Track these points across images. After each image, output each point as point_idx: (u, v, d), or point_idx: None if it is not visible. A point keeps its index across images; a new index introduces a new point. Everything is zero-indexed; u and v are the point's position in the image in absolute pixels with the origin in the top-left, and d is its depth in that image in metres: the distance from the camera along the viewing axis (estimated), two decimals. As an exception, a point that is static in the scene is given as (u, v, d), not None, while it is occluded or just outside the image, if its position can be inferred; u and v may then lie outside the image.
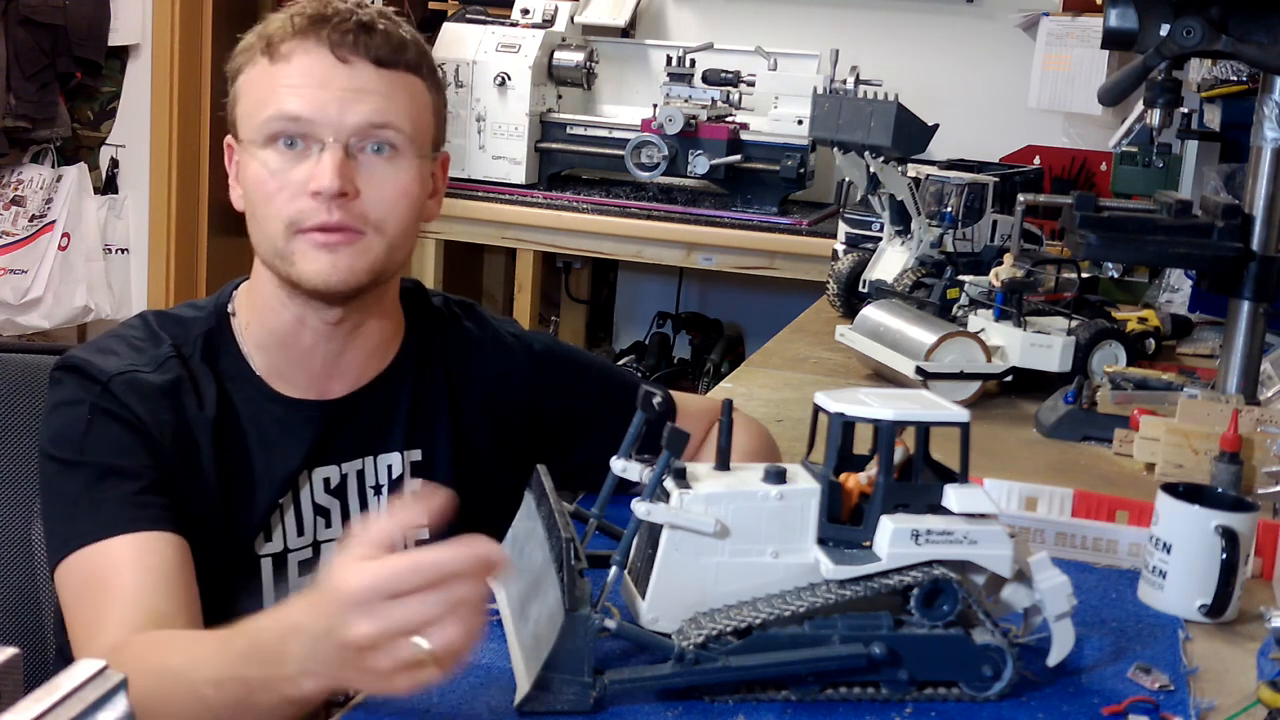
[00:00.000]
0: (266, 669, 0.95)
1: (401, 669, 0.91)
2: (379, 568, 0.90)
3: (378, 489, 1.33)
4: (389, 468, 1.34)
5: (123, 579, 1.12)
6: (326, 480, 1.30)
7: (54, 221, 4.16)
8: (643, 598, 1.06)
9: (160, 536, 1.15)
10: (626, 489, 1.10)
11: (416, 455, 1.35)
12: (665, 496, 1.05)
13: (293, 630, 0.94)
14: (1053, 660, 1.11)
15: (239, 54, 1.26)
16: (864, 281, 2.48)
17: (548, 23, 3.61)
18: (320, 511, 1.30)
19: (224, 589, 1.23)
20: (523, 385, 1.42)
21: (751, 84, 3.45)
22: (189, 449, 1.23)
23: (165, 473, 1.20)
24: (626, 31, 3.88)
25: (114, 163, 4.31)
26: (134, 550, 1.14)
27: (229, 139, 1.29)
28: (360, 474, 1.32)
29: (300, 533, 1.29)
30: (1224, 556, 1.25)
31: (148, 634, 1.08)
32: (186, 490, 1.21)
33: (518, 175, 3.49)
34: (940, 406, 1.09)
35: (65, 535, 1.16)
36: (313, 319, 1.27)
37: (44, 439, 1.23)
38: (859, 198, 2.64)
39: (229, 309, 1.31)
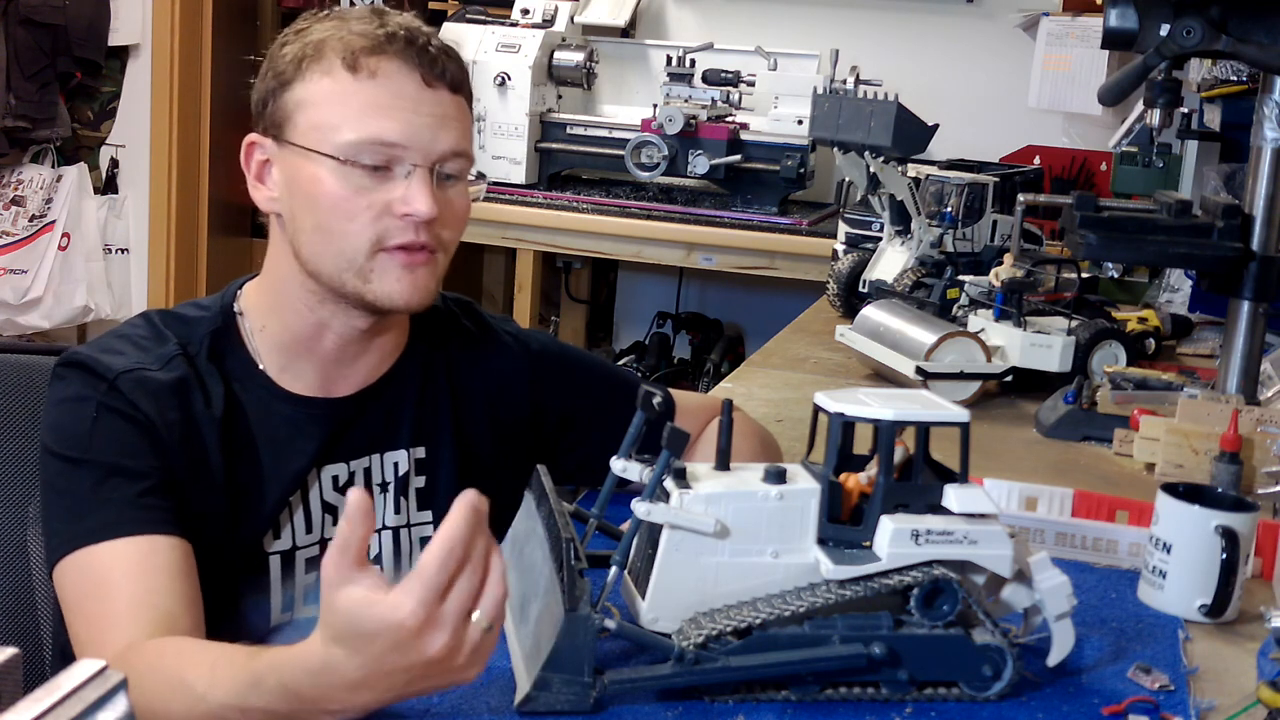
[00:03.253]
0: (302, 705, 0.95)
1: (473, 652, 0.92)
2: (415, 583, 0.89)
3: (384, 486, 1.34)
4: (395, 465, 1.34)
5: (127, 581, 1.12)
6: (335, 478, 1.31)
7: (54, 221, 4.16)
8: (643, 598, 1.06)
9: (164, 540, 1.15)
10: (626, 489, 1.10)
11: (421, 452, 1.36)
12: (665, 496, 1.05)
13: (325, 671, 0.93)
14: (1053, 660, 1.11)
15: (303, 59, 1.23)
16: (864, 281, 2.49)
17: (548, 23, 3.61)
18: (329, 509, 1.30)
19: (232, 586, 1.24)
20: (521, 384, 1.42)
21: (751, 84, 3.45)
22: (196, 448, 1.22)
23: (171, 473, 1.20)
24: (626, 31, 3.88)
25: (114, 163, 4.32)
26: (138, 553, 1.13)
27: (254, 138, 1.27)
28: (368, 471, 1.33)
29: (309, 530, 1.29)
30: (1224, 556, 1.25)
31: (160, 640, 1.08)
32: (193, 489, 1.21)
33: (518, 175, 3.49)
34: (940, 406, 1.09)
35: (67, 534, 1.16)
36: (339, 324, 1.27)
37: (46, 435, 1.22)
38: (859, 198, 2.65)
39: (235, 308, 1.31)
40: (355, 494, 0.92)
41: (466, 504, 0.91)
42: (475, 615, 0.92)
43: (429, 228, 1.22)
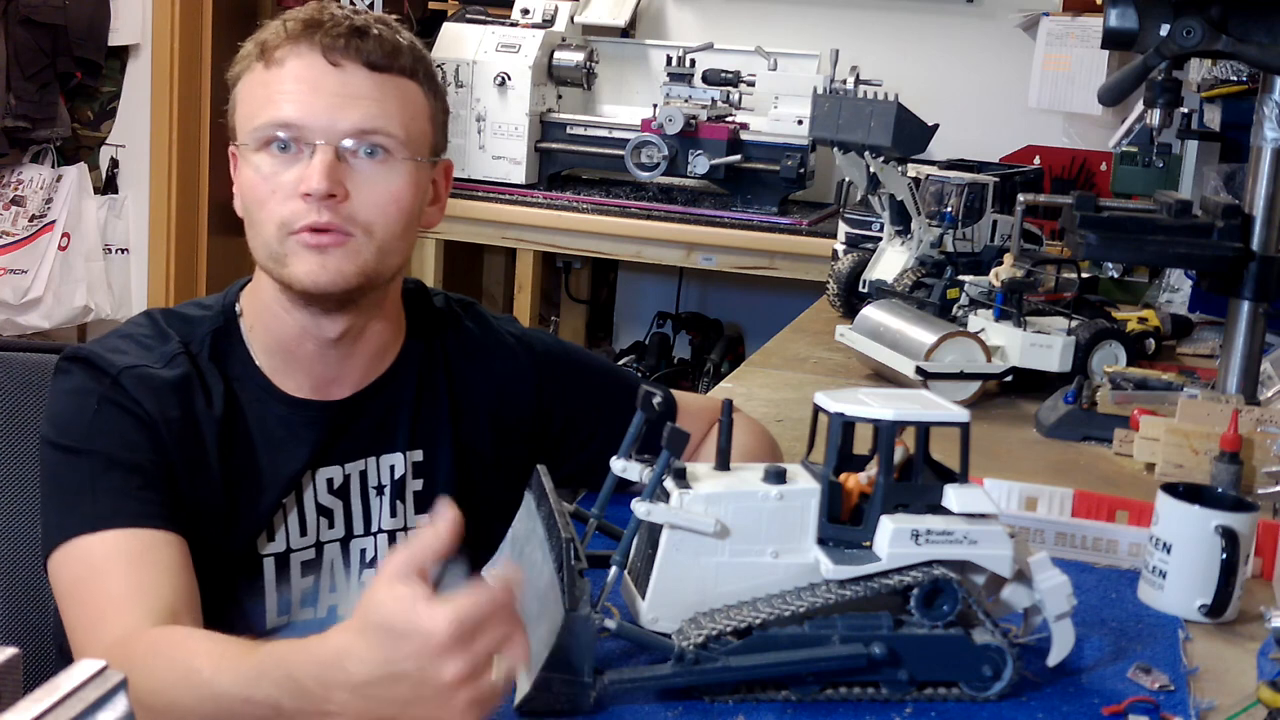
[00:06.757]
0: (304, 703, 0.94)
1: (480, 697, 0.91)
2: (463, 607, 0.89)
3: (380, 489, 1.33)
4: (391, 468, 1.34)
5: (125, 569, 1.12)
6: (330, 480, 1.31)
7: (54, 221, 4.16)
8: (643, 598, 1.06)
9: (161, 535, 1.15)
10: (626, 489, 1.10)
11: (418, 456, 1.35)
12: (665, 496, 1.05)
13: (335, 664, 0.92)
14: (1053, 660, 1.11)
15: (238, 62, 1.27)
16: (864, 281, 2.48)
17: (548, 23, 3.61)
18: (323, 512, 1.30)
19: (226, 588, 1.23)
20: (524, 387, 1.42)
21: (751, 84, 3.45)
22: (195, 446, 1.23)
23: (169, 469, 1.20)
24: (626, 31, 3.88)
25: (114, 163, 4.31)
26: (135, 544, 1.14)
27: (232, 147, 1.29)
28: (363, 474, 1.32)
29: (303, 533, 1.29)
30: (1224, 556, 1.25)
31: (164, 628, 1.08)
32: (190, 487, 1.21)
33: (518, 175, 3.49)
34: (940, 406, 1.09)
35: (64, 522, 1.16)
36: (312, 328, 1.27)
37: (46, 426, 1.23)
38: (859, 198, 2.64)
39: (236, 308, 1.31)
40: (449, 511, 0.91)
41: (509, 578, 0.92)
42: (495, 664, 0.91)
43: (334, 207, 1.20)
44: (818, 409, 1.11)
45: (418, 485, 1.35)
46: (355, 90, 1.22)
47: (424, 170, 1.28)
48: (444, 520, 0.91)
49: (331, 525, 1.31)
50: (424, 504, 1.35)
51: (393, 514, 1.34)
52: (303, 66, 1.22)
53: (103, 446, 1.18)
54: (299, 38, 1.22)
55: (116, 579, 1.12)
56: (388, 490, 1.34)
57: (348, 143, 1.21)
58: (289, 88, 1.21)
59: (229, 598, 1.24)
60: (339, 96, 1.21)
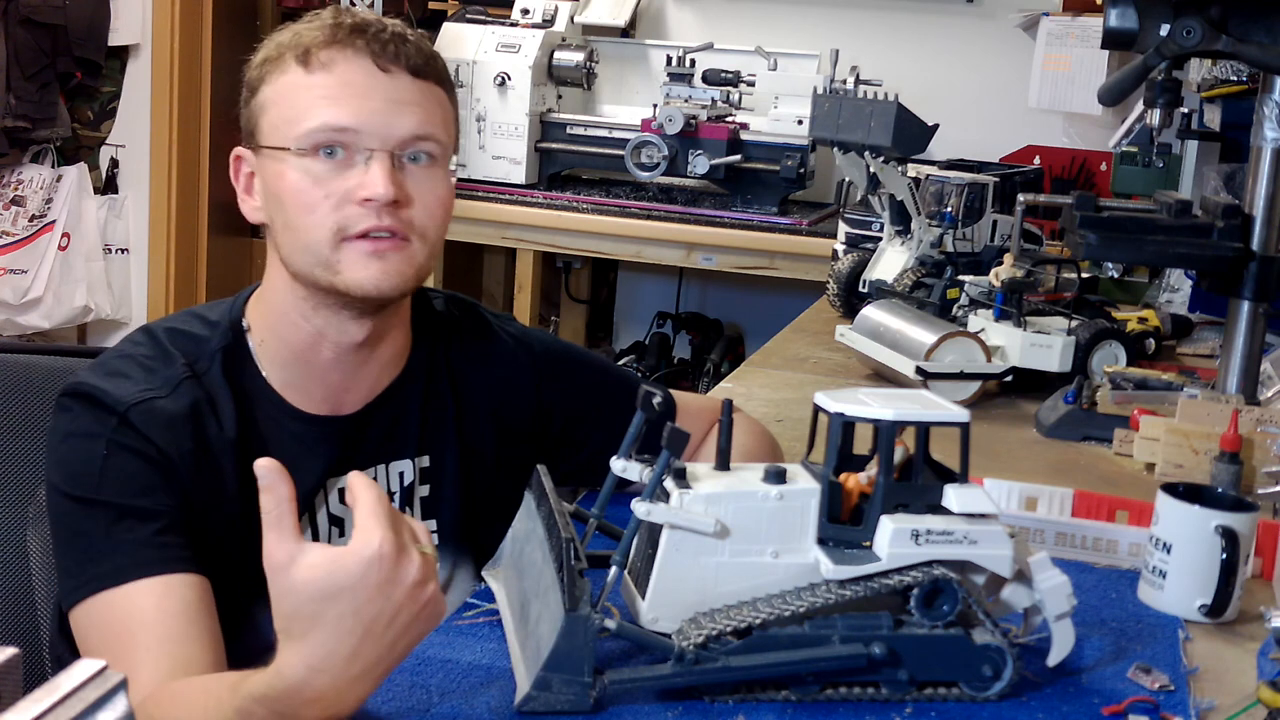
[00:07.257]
0: None
1: (433, 575, 0.92)
2: (371, 518, 0.90)
3: (390, 496, 1.32)
4: (401, 474, 1.33)
5: (146, 626, 1.10)
6: (342, 491, 1.29)
7: (54, 221, 4.16)
8: (643, 598, 1.06)
9: (181, 578, 1.13)
10: (626, 489, 1.10)
11: (426, 461, 1.35)
12: (665, 496, 1.05)
13: (312, 676, 0.90)
14: (1053, 660, 1.11)
15: (264, 63, 1.24)
16: (864, 281, 2.48)
17: (548, 23, 3.61)
18: (335, 521, 1.30)
19: (237, 599, 1.22)
20: (525, 388, 1.42)
21: (751, 84, 3.45)
22: (212, 474, 1.21)
23: (185, 506, 1.18)
24: (626, 31, 3.88)
25: (114, 163, 4.32)
26: (156, 595, 1.11)
27: (239, 151, 1.27)
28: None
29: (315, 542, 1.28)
30: (1224, 556, 1.25)
31: (165, 688, 1.06)
32: (208, 515, 1.19)
33: (518, 175, 3.49)
34: (940, 406, 1.09)
35: (83, 577, 1.13)
36: (334, 333, 1.25)
37: (54, 472, 1.19)
38: (859, 198, 2.64)
39: (243, 323, 1.28)
40: (263, 463, 0.91)
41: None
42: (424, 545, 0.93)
43: (394, 212, 1.20)
44: (818, 409, 1.11)
45: (425, 491, 1.35)
46: (404, 96, 1.22)
47: (452, 174, 1.29)
48: (269, 473, 0.91)
49: (342, 534, 1.30)
50: (430, 509, 1.35)
51: None
52: (353, 71, 1.20)
53: (116, 496, 1.15)
54: (345, 41, 1.21)
55: (135, 639, 1.10)
56: (397, 497, 1.33)
57: (400, 149, 1.21)
58: (339, 92, 1.20)
59: (239, 609, 1.23)
60: (391, 102, 1.21)
